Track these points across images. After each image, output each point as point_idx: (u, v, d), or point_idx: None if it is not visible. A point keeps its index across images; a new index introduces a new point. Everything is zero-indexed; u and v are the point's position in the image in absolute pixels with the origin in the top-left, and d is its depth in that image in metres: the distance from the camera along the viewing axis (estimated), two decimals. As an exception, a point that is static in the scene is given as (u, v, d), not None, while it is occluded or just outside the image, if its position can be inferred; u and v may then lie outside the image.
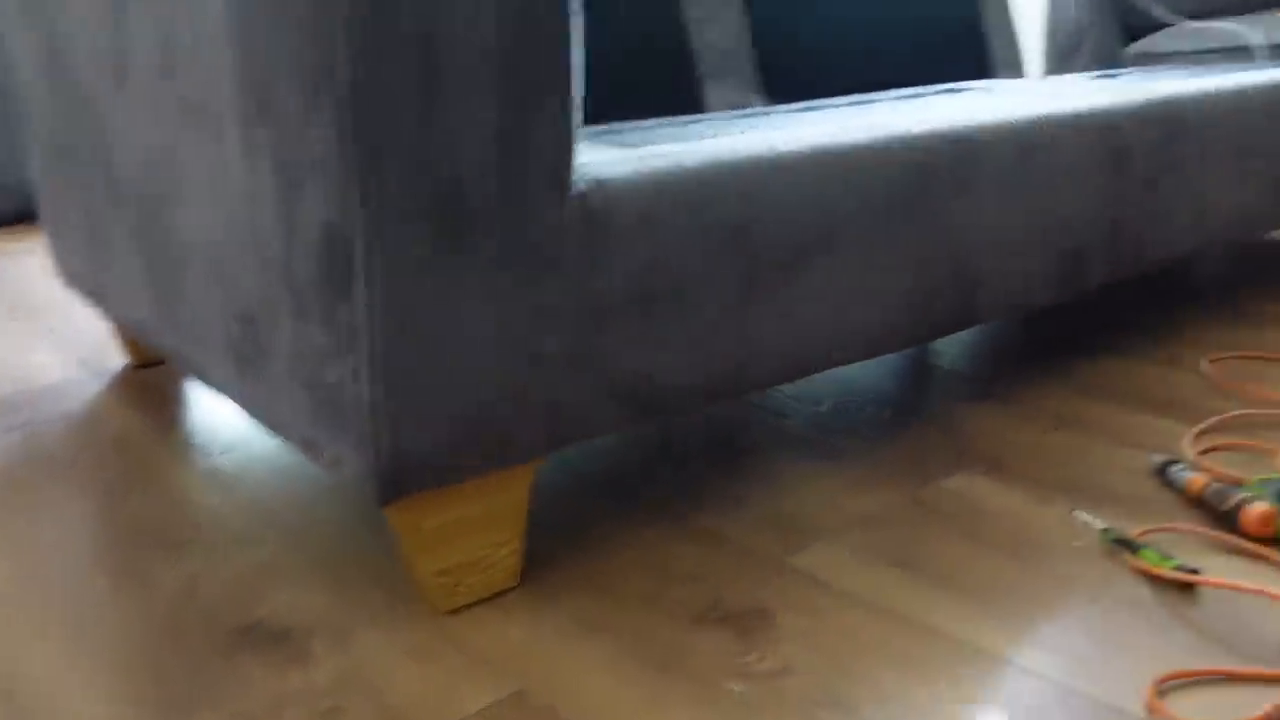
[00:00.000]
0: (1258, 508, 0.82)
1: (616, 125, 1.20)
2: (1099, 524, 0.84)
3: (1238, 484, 0.90)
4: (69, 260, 1.25)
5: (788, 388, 1.21)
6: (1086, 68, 2.35)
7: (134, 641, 0.73)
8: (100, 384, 1.30)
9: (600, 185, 0.75)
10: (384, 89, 0.63)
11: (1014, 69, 1.99)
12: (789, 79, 1.71)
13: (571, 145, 0.72)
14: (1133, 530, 0.84)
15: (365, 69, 0.62)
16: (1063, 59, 2.38)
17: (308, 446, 0.74)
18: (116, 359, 1.40)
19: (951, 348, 1.35)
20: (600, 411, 0.78)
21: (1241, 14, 2.28)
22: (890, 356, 1.31)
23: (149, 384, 1.29)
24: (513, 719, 0.63)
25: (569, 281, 0.73)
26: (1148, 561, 0.78)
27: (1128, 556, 0.80)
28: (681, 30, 1.63)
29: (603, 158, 0.80)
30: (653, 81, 1.57)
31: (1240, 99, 1.29)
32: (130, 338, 1.36)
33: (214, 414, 1.18)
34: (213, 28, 0.74)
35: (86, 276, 1.19)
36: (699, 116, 1.27)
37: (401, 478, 0.69)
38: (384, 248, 0.65)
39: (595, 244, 0.74)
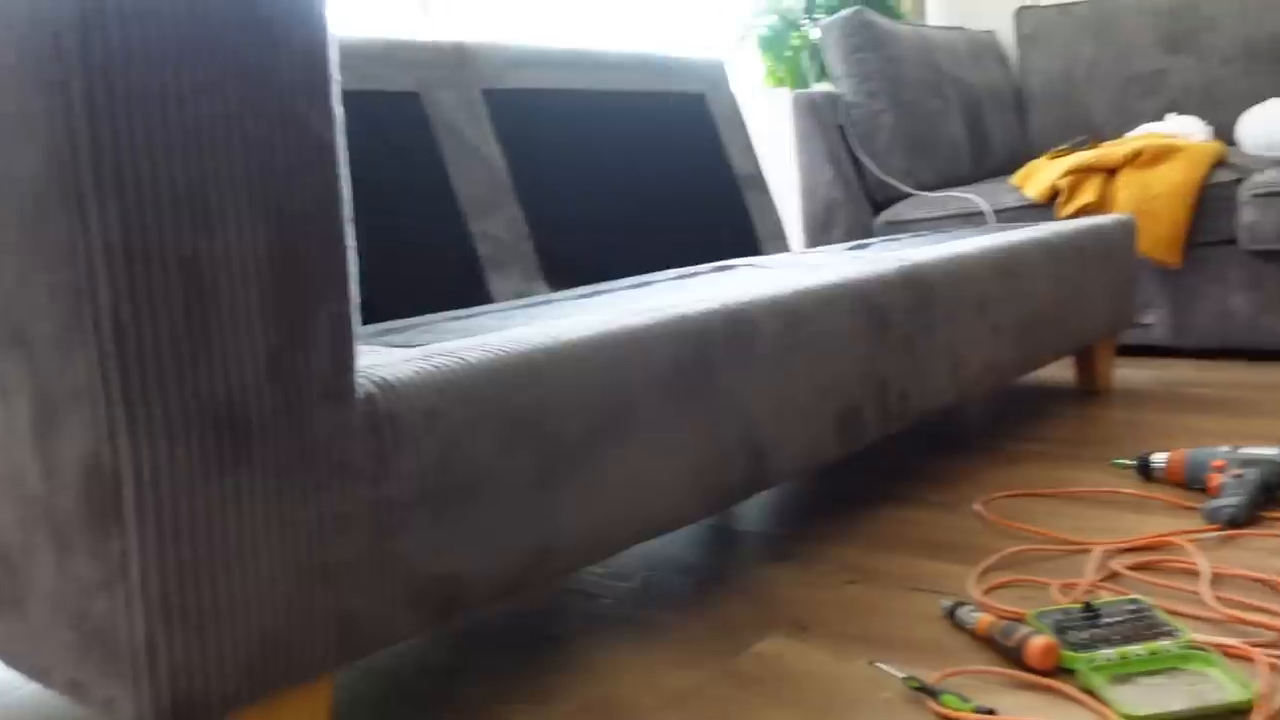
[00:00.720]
0: (1039, 641, 0.86)
1: (401, 323, 1.21)
2: (900, 674, 0.87)
3: (1019, 619, 0.95)
4: None
5: (596, 567, 1.21)
6: (842, 237, 2.55)
7: None
8: None
9: (385, 387, 0.75)
10: (147, 314, 0.62)
11: (778, 242, 2.14)
12: (570, 265, 1.78)
13: (351, 351, 0.72)
14: (932, 676, 0.87)
15: (126, 294, 0.61)
16: (820, 231, 2.57)
17: (74, 689, 0.68)
18: None
19: (749, 510, 1.39)
20: (399, 617, 0.75)
21: (971, 184, 2.55)
22: (694, 524, 1.34)
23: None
24: None
25: (358, 486, 0.72)
26: (948, 706, 0.81)
27: (930, 703, 0.83)
28: (460, 223, 1.68)
29: (386, 359, 0.81)
30: (438, 275, 1.60)
31: (976, 261, 1.42)
32: None
33: (-30, 662, 1.06)
34: (-39, 255, 0.71)
35: None
36: (484, 308, 1.29)
37: (184, 714, 0.64)
38: (154, 474, 0.62)
39: (383, 446, 0.74)
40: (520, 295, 1.68)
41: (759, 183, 2.18)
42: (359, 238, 1.48)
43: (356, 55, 1.63)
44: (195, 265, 0.64)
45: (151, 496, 0.62)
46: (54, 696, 0.97)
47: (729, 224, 2.09)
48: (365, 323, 1.40)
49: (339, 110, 0.72)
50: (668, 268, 1.87)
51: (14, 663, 0.74)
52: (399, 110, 1.68)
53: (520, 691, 0.91)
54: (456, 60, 1.80)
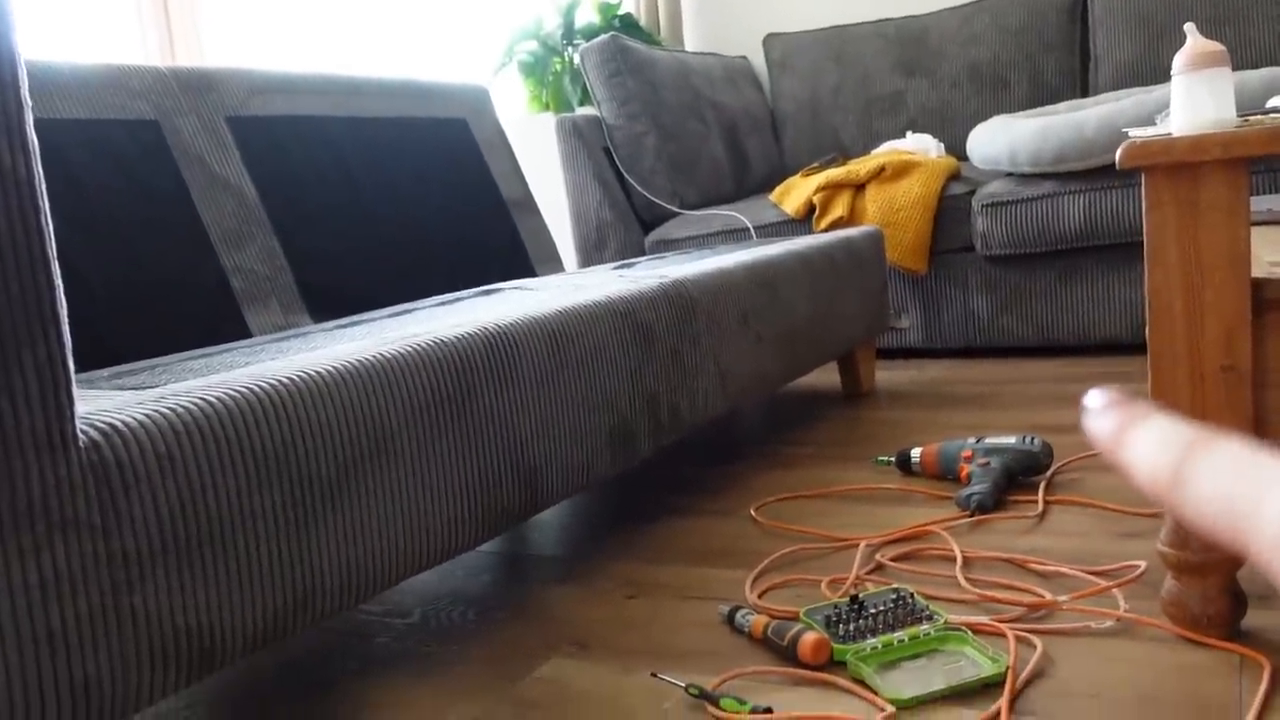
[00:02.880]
0: (810, 637, 0.89)
1: (138, 364, 1.12)
2: (680, 682, 0.87)
3: (793, 618, 0.97)
4: None
5: (372, 605, 1.16)
6: (614, 257, 2.58)
7: None
8: None
9: (111, 434, 0.69)
10: None
11: (552, 264, 2.15)
12: (333, 295, 1.71)
13: (66, 397, 0.66)
14: (711, 681, 0.88)
15: None
16: (593, 251, 2.60)
17: None
18: None
19: (528, 533, 1.37)
20: (144, 679, 0.69)
21: (734, 202, 2.64)
22: (474, 552, 1.31)
23: None
24: None
25: (85, 540, 0.66)
26: (727, 710, 0.82)
27: (709, 708, 0.83)
28: (211, 256, 1.59)
29: (114, 404, 0.74)
30: (190, 311, 1.50)
31: (735, 275, 1.47)
32: None
33: None
34: None
35: None
36: (233, 345, 1.22)
37: (-122, 819, 0.56)
38: None
39: (112, 496, 0.68)
40: (280, 329, 1.60)
41: (529, 206, 2.17)
42: (97, 273, 1.38)
43: (88, 80, 1.52)
44: None
45: None
46: None
47: (499, 248, 2.07)
48: (104, 365, 1.29)
49: (35, 140, 0.66)
50: (439, 294, 1.83)
51: None
52: (137, 139, 1.58)
53: (289, 747, 0.86)
54: (198, 86, 1.71)
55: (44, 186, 0.66)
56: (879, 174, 2.24)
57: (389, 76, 2.09)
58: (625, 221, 2.57)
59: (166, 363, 1.07)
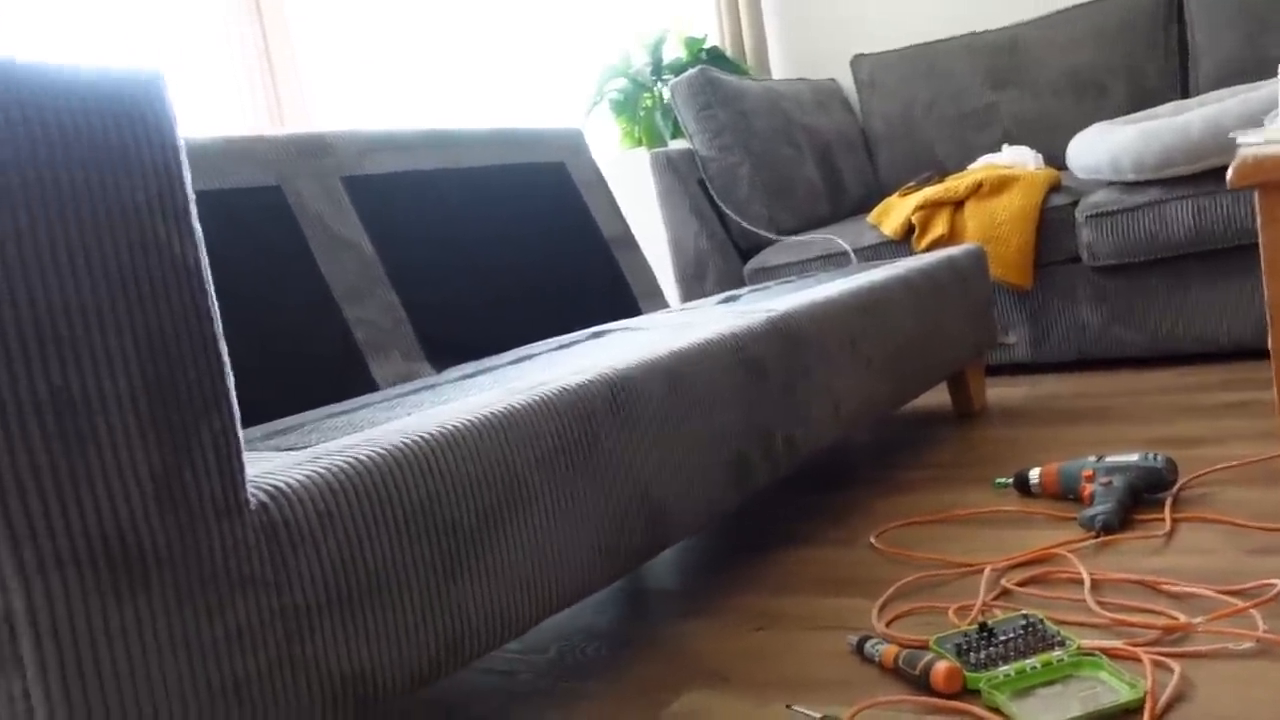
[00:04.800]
0: (943, 666, 0.90)
1: (286, 422, 1.19)
2: (816, 713, 0.89)
3: (923, 647, 0.98)
4: None
5: (513, 644, 1.20)
6: (715, 287, 2.61)
7: None
8: None
9: (277, 495, 0.74)
10: (25, 455, 0.61)
11: (655, 299, 2.19)
12: (450, 343, 1.78)
13: (239, 465, 0.71)
14: (846, 712, 0.90)
15: (4, 440, 0.60)
16: (693, 283, 2.63)
17: None
18: None
19: (653, 568, 1.40)
20: (317, 718, 0.75)
21: (830, 225, 2.65)
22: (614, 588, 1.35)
23: None
24: None
25: (260, 598, 0.71)
26: (864, 740, 0.84)
27: (847, 739, 0.85)
28: (335, 312, 1.67)
29: (276, 465, 0.80)
30: (319, 366, 1.58)
31: (841, 303, 1.49)
32: None
33: None
34: None
35: None
36: (366, 399, 1.29)
37: None
38: (51, 611, 0.61)
39: (282, 554, 0.73)
40: (403, 378, 1.68)
41: (629, 242, 2.22)
42: (232, 338, 1.46)
43: (212, 153, 1.62)
44: (69, 400, 0.63)
45: (50, 634, 0.61)
46: None
47: (604, 286, 2.13)
48: (250, 423, 1.37)
49: (198, 228, 0.72)
50: (549, 335, 1.89)
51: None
52: (261, 205, 1.67)
53: (445, 784, 0.90)
54: (314, 150, 1.80)
55: (209, 271, 0.72)
56: (977, 190, 2.23)
57: (488, 127, 2.16)
58: (723, 251, 2.61)
59: (311, 421, 1.14)
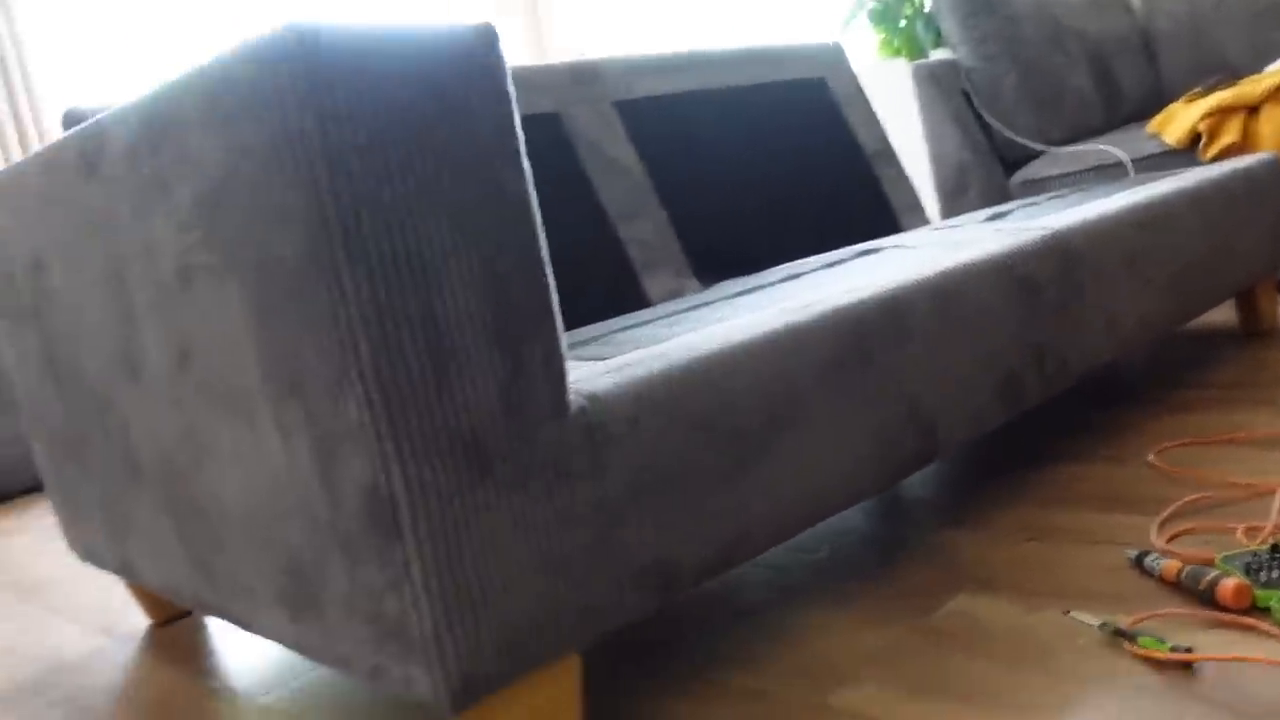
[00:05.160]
0: (1231, 581, 0.90)
1: (581, 334, 1.31)
2: (1094, 620, 0.92)
3: (1208, 564, 0.99)
4: (86, 537, 1.30)
5: (785, 543, 1.29)
6: (977, 201, 2.56)
7: None
8: (129, 647, 1.33)
9: (592, 400, 0.84)
10: (400, 362, 0.72)
11: (915, 214, 2.18)
12: (718, 259, 1.86)
13: (564, 376, 0.82)
14: (1125, 622, 0.92)
15: (382, 348, 0.72)
16: (954, 197, 2.58)
17: (375, 674, 0.80)
18: (139, 620, 1.43)
19: (923, 480, 1.44)
20: (625, 599, 0.85)
21: (1104, 134, 2.52)
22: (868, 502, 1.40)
23: (177, 639, 1.33)
24: None
25: (580, 489, 0.82)
26: (1146, 648, 0.86)
27: (1127, 645, 0.88)
28: (611, 232, 1.78)
29: (587, 374, 0.90)
30: (596, 283, 1.70)
31: (1121, 220, 1.44)
32: (151, 597, 1.40)
33: (245, 657, 1.21)
34: (231, 327, 0.84)
35: (107, 551, 1.24)
36: (647, 314, 1.38)
37: (467, 688, 0.75)
38: (421, 492, 0.73)
39: (596, 452, 0.83)
40: (673, 294, 1.77)
41: (889, 157, 2.21)
42: (524, 260, 1.59)
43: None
44: (432, 317, 0.74)
45: (421, 511, 0.73)
46: (333, 677, 1.10)
47: (865, 202, 2.13)
48: (540, 338, 1.50)
49: (527, 166, 0.81)
50: (811, 252, 1.93)
51: (313, 655, 0.87)
52: (544, 132, 1.79)
53: (731, 659, 1.00)
54: (587, 77, 1.90)
55: (536, 205, 0.82)
56: (1275, 94, 2.06)
57: (748, 47, 2.19)
58: (987, 165, 2.54)
59: (602, 334, 1.24)
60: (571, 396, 0.84)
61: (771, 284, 1.44)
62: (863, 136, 2.22)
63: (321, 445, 0.77)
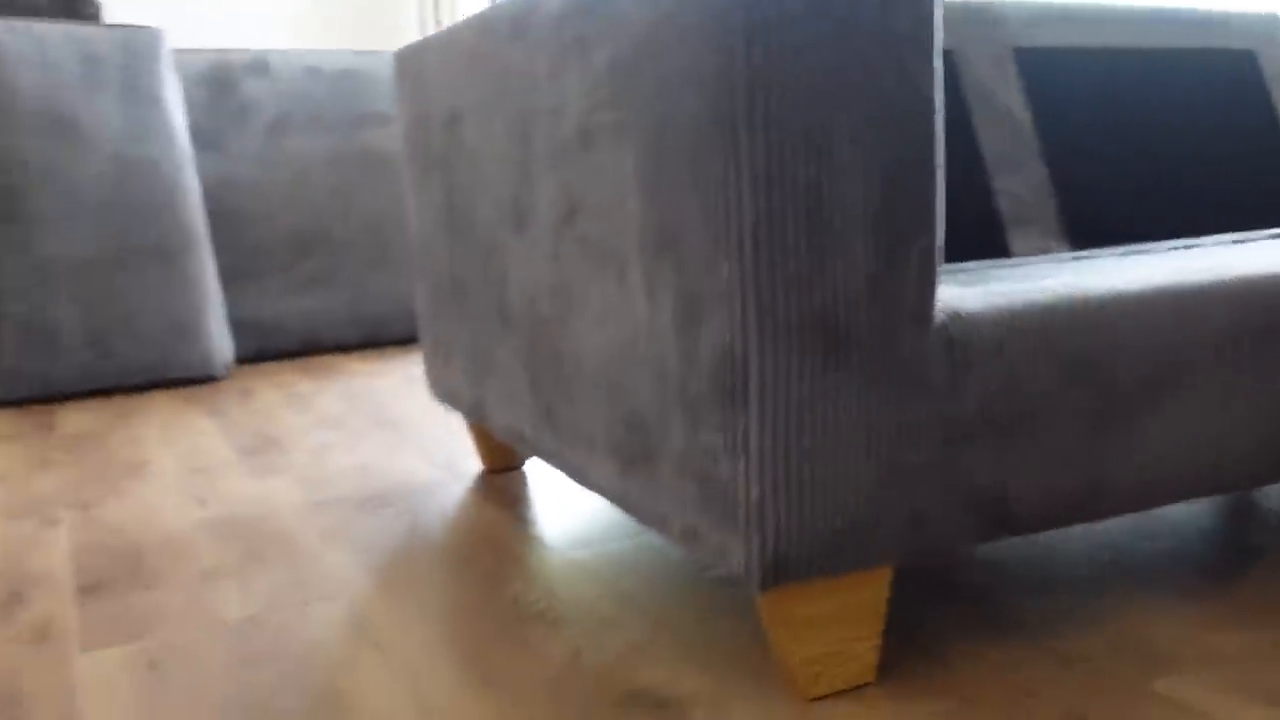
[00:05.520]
0: None
1: (951, 266, 1.27)
2: None
3: None
4: (447, 378, 1.44)
5: (1123, 524, 1.21)
6: None
7: (535, 696, 0.84)
8: (462, 486, 1.48)
9: (957, 317, 0.82)
10: (779, 234, 0.74)
11: (1338, 216, 1.93)
12: (1093, 225, 1.74)
13: (933, 283, 0.80)
14: None
15: (765, 216, 0.73)
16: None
17: (689, 536, 0.83)
18: (472, 465, 1.58)
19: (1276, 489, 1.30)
20: (955, 524, 0.83)
21: None
22: (1219, 499, 1.28)
23: (504, 487, 1.45)
24: (886, 798, 0.68)
25: (930, 402, 0.81)
26: None
27: None
28: (984, 180, 1.71)
29: (958, 294, 0.88)
30: (959, 230, 1.64)
31: None
32: (488, 447, 1.53)
33: (564, 514, 1.31)
34: (620, 186, 0.88)
35: (465, 392, 1.37)
36: (1019, 262, 1.32)
37: (780, 567, 0.77)
38: (774, 366, 0.75)
39: (954, 370, 0.81)
40: (1039, 253, 1.68)
41: (1318, 149, 1.96)
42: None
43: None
44: (818, 196, 0.75)
45: (770, 384, 0.75)
46: (644, 549, 1.17)
47: (1274, 195, 1.91)
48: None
49: (939, 66, 0.80)
50: (1204, 234, 1.76)
51: (635, 511, 0.92)
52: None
53: (1051, 622, 0.95)
54: (989, 19, 1.82)
55: (941, 108, 0.80)
56: None
57: (1166, 6, 2.01)
58: None
59: (975, 268, 1.20)
60: (938, 309, 0.82)
61: (1156, 251, 1.33)
62: (1291, 119, 1.98)
63: (686, 304, 0.80)
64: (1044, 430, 0.85)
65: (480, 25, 1.18)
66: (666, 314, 0.83)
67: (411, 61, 1.44)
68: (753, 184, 0.74)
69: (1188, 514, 1.24)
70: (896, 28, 0.77)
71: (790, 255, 0.75)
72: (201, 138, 2.72)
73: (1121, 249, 1.45)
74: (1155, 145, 1.84)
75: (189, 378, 2.46)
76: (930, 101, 0.79)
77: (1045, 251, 1.72)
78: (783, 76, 0.73)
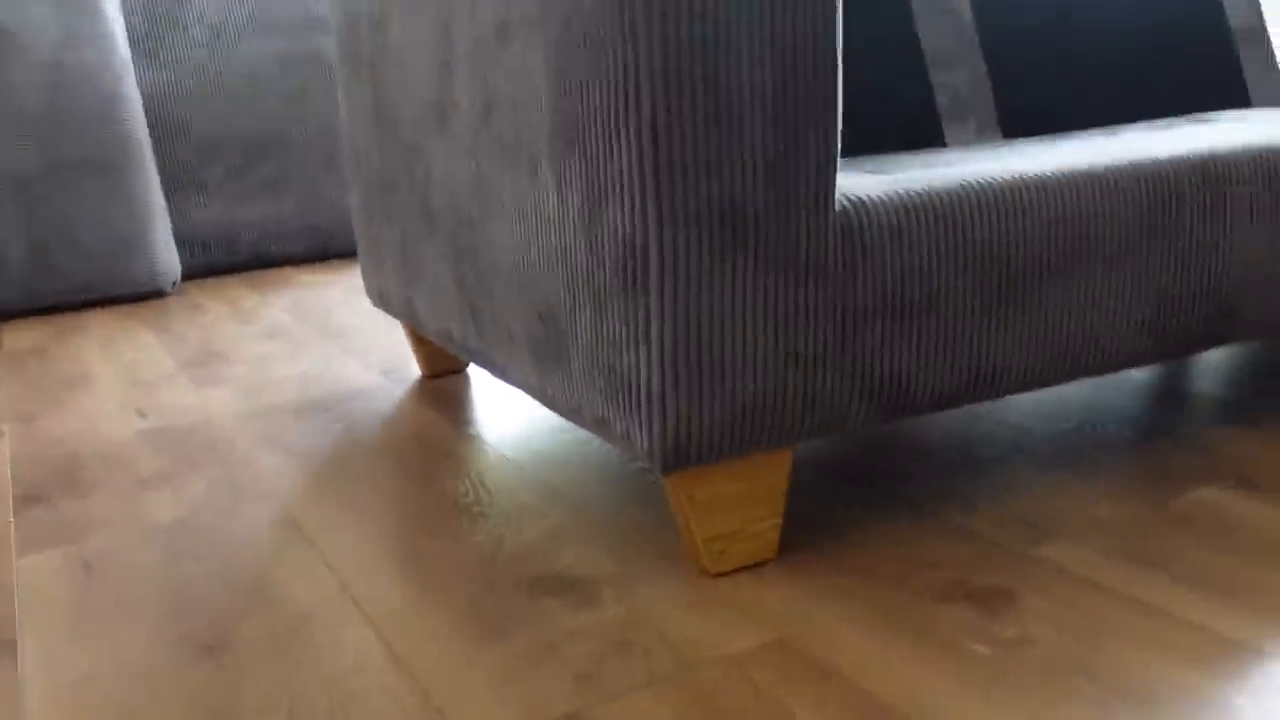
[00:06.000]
0: None
1: (866, 157, 1.28)
2: (1356, 536, 0.84)
3: None
4: (380, 282, 1.45)
5: (1032, 404, 1.24)
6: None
7: (454, 583, 0.87)
8: (400, 390, 1.49)
9: (858, 204, 0.84)
10: (677, 123, 0.75)
11: (1273, 98, 1.94)
12: (1030, 117, 1.75)
13: (832, 169, 0.81)
14: (1393, 544, 0.84)
15: (663, 107, 0.74)
16: (1330, 94, 2.27)
17: (599, 425, 0.86)
18: (412, 371, 1.60)
19: (1203, 370, 1.34)
20: (851, 408, 0.86)
21: None
22: (1140, 378, 1.32)
23: (441, 391, 1.47)
24: (776, 660, 0.72)
25: (828, 288, 0.82)
26: None
27: (1386, 567, 0.80)
28: (921, 73, 1.70)
29: (858, 182, 0.89)
30: (896, 123, 1.65)
31: None
32: (426, 352, 1.55)
33: (497, 414, 1.33)
34: (531, 81, 0.88)
35: (396, 295, 1.38)
36: (943, 150, 1.33)
37: (682, 451, 0.79)
38: (674, 254, 0.76)
39: (853, 256, 0.83)
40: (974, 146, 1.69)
41: (1258, 37, 1.97)
42: (825, 84, 1.56)
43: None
44: (715, 84, 0.75)
45: (670, 272, 0.76)
46: (562, 444, 1.19)
47: (1215, 80, 1.92)
48: (826, 164, 1.49)
49: (839, -52, 0.79)
50: (1139, 120, 1.77)
51: (552, 405, 0.94)
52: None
53: (952, 495, 0.99)
54: (930, -92, 1.79)
55: (836, -8, 0.80)
56: None
57: (1121, -109, 1.99)
58: (1379, 59, 2.20)
59: (889, 158, 1.22)
60: (838, 196, 0.84)
61: (1082, 139, 1.35)
62: (1231, 8, 1.98)
63: (591, 196, 0.81)
64: (941, 314, 0.87)
65: (394, -80, 1.16)
66: (574, 208, 0.84)
67: (333, -39, 1.41)
68: (649, 75, 0.74)
69: (1106, 394, 1.28)
70: (790, -88, 0.77)
71: (688, 143, 0.75)
72: (141, 45, 2.66)
73: (1049, 137, 1.46)
74: (1092, 37, 1.83)
75: (135, 294, 2.44)
76: (826, -12, 0.79)
77: (982, 145, 1.73)
78: (673, -37, 0.73)
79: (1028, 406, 1.25)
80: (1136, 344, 0.99)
